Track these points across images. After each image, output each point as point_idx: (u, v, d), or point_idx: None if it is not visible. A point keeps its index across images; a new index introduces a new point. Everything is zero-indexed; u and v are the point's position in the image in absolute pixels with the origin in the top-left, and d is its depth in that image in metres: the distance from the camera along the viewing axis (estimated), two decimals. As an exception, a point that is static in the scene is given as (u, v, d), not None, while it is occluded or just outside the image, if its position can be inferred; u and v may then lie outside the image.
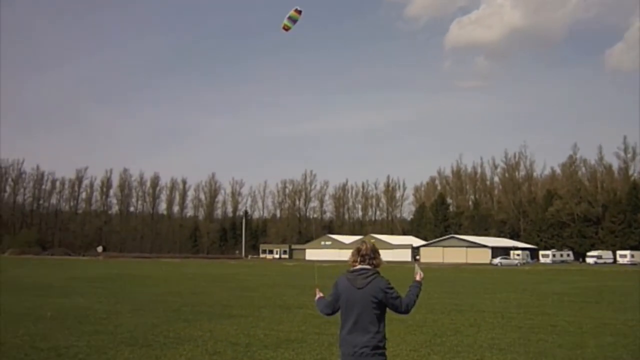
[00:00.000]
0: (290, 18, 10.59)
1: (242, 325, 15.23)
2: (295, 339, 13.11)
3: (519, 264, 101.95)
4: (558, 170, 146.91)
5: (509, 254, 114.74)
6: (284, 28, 10.62)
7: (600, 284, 38.39)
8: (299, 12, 10.60)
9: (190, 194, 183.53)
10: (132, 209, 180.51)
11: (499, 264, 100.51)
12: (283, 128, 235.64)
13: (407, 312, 5.65)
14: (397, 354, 11.08)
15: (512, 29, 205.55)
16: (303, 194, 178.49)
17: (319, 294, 6.15)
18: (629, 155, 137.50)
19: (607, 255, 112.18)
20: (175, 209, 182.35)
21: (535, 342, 12.78)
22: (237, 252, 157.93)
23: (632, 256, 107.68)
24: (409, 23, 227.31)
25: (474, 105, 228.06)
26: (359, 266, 5.54)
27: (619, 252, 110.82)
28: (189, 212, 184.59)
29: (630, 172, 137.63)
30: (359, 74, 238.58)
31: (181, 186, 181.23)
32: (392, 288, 5.50)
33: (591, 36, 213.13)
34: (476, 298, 25.87)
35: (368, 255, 5.60)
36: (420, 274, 6.12)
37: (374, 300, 5.38)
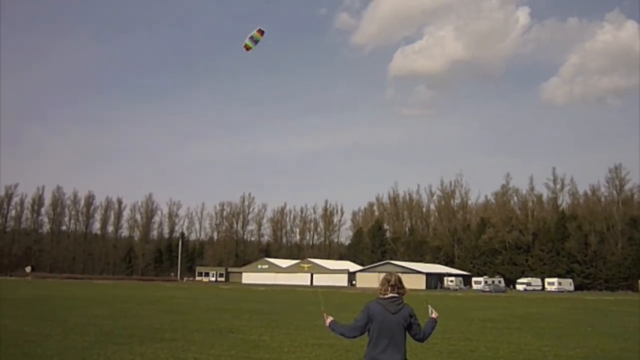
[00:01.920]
0: (252, 38, 10.92)
1: (173, 349, 15.43)
2: (225, 362, 13.44)
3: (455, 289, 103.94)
4: (491, 199, 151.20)
5: (443, 281, 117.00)
6: (245, 47, 10.90)
7: (525, 311, 39.86)
8: (262, 32, 10.93)
9: (126, 213, 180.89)
10: (64, 228, 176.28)
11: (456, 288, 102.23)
12: (222, 150, 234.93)
13: (423, 339, 6.41)
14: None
15: (453, 60, 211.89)
16: (241, 216, 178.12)
17: (329, 319, 6.66)
18: (558, 186, 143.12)
19: (535, 282, 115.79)
20: (110, 228, 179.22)
21: (453, 366, 13.47)
22: (172, 274, 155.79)
23: (559, 284, 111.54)
24: (355, 50, 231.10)
25: (413, 132, 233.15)
26: (390, 294, 6.25)
27: (547, 280, 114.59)
28: (124, 232, 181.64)
29: (559, 202, 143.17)
30: (302, 97, 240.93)
31: (116, 206, 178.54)
32: (415, 316, 6.29)
33: (528, 70, 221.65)
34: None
35: (397, 285, 6.31)
36: (435, 313, 6.72)
37: (404, 324, 6.15)
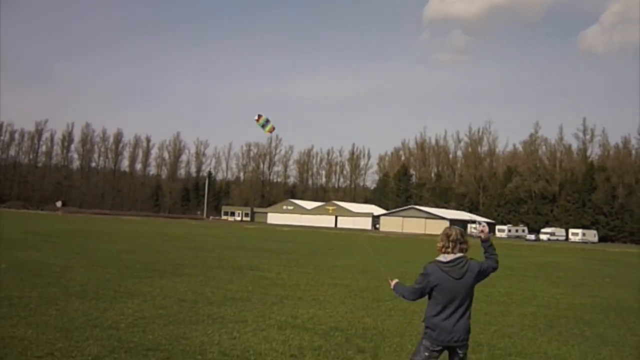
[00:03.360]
0: (267, 122, 11.06)
1: (192, 284, 15.84)
2: (241, 297, 13.79)
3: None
4: (519, 148, 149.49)
5: (466, 227, 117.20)
6: (257, 119, 11.09)
7: (545, 260, 39.93)
8: (272, 130, 11.13)
9: (154, 152, 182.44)
10: (93, 164, 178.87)
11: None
12: (251, 89, 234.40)
13: (497, 267, 5.93)
14: (333, 316, 11.84)
15: (491, 5, 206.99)
16: (267, 157, 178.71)
17: (394, 281, 6.12)
18: (588, 137, 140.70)
19: (559, 232, 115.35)
20: (138, 166, 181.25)
21: (465, 309, 13.66)
22: (198, 212, 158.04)
23: (584, 234, 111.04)
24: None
25: (445, 78, 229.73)
26: (451, 256, 5.66)
27: (571, 230, 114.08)
28: (152, 170, 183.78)
29: (588, 153, 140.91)
30: (333, 39, 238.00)
31: (145, 144, 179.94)
32: (480, 262, 5.78)
33: (568, 17, 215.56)
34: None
35: (458, 240, 5.73)
36: (484, 232, 6.06)
37: (470, 287, 5.63)
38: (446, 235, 5.78)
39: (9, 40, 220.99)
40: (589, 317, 13.36)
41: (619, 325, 12.56)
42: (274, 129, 10.92)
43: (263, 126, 10.92)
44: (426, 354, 5.72)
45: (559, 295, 17.05)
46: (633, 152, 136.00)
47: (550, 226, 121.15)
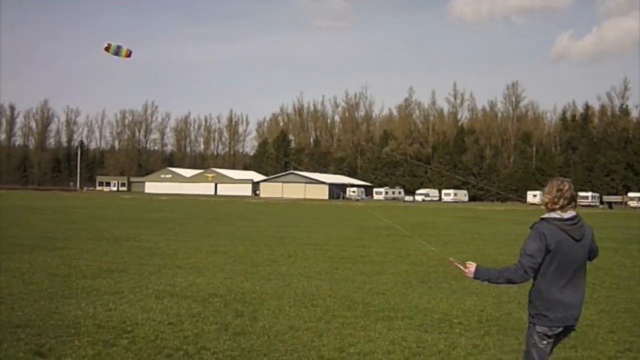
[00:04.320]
0: (119, 48, 10.37)
1: (64, 257, 15.23)
2: (117, 269, 13.44)
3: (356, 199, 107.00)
4: (395, 112, 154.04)
5: (345, 191, 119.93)
6: (106, 49, 10.33)
7: (420, 220, 41.71)
8: (130, 54, 10.44)
9: (19, 121, 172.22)
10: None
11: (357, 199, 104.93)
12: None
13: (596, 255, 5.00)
14: (212, 282, 11.81)
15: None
16: (143, 125, 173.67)
17: (472, 266, 4.93)
18: (458, 101, 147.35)
19: (433, 193, 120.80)
20: (2, 136, 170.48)
21: (342, 270, 14.08)
22: (71, 184, 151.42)
23: (455, 195, 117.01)
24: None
25: (322, 44, 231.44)
26: (569, 213, 4.66)
27: (443, 191, 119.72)
28: (18, 140, 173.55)
29: (459, 117, 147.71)
30: (209, 3, 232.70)
31: (8, 112, 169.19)
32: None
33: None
34: (302, 232, 27.32)
35: (573, 196, 4.69)
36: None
37: (587, 252, 4.76)
38: (558, 189, 4.67)
39: None
40: (456, 272, 14.12)
41: (483, 277, 13.40)
42: (130, 52, 10.33)
43: (117, 54, 10.33)
44: (544, 342, 4.71)
45: (430, 252, 17.89)
46: (499, 115, 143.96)
47: (425, 187, 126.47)
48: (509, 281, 4.75)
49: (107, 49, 10.22)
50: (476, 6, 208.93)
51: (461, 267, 5.02)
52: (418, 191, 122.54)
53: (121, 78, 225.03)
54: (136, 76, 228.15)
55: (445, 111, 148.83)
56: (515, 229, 31.82)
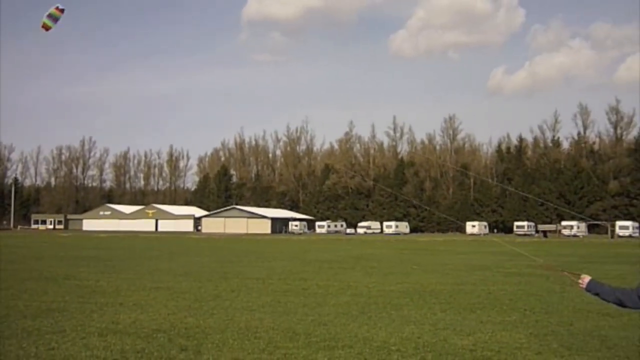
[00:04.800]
0: (51, 16, 10.26)
1: (2, 298, 14.98)
2: (58, 308, 13.33)
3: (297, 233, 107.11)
4: (336, 146, 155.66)
5: (288, 225, 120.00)
6: (43, 27, 10.24)
7: (361, 252, 42.23)
8: (61, 10, 10.33)
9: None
10: None
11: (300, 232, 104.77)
12: (60, 90, 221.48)
13: None
14: (155, 319, 11.88)
15: (307, 8, 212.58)
16: (81, 161, 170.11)
17: (586, 277, 5.12)
18: (398, 135, 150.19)
19: (375, 225, 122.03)
20: None
21: (285, 303, 14.32)
22: (4, 222, 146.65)
23: (397, 227, 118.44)
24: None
25: (263, 78, 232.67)
26: None
27: (385, 223, 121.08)
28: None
29: (399, 149, 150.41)
30: (149, 38, 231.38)
31: None
32: None
33: (378, 22, 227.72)
34: (245, 266, 27.40)
35: None
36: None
37: None
38: None
39: None
40: (396, 302, 14.57)
41: (421, 306, 13.87)
42: (61, 8, 10.11)
43: (56, 20, 10.14)
44: None
45: (371, 284, 18.30)
46: (438, 147, 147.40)
47: (367, 220, 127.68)
48: (620, 303, 4.82)
49: (46, 29, 10.06)
50: (414, 42, 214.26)
51: (575, 279, 5.25)
52: (360, 224, 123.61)
53: (57, 113, 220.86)
54: (73, 111, 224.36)
55: (386, 144, 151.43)
56: (454, 259, 32.66)
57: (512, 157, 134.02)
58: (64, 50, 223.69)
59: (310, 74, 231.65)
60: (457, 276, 22.24)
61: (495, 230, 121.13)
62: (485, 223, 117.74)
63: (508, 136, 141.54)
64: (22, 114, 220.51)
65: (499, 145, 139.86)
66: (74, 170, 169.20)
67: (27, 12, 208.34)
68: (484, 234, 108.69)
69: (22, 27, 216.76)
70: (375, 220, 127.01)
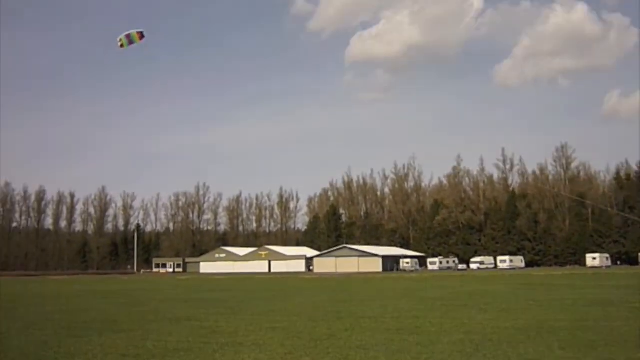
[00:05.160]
0: (129, 37, 10.83)
1: (132, 339, 15.95)
2: (182, 348, 14.06)
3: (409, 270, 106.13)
4: (444, 181, 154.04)
5: (399, 263, 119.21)
6: (120, 44, 10.80)
7: (475, 288, 41.35)
8: (142, 36, 10.88)
9: (79, 208, 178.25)
10: (15, 224, 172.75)
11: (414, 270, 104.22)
12: (175, 139, 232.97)
13: None
14: (274, 358, 12.33)
15: (410, 45, 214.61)
16: (197, 206, 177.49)
17: None
18: (508, 167, 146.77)
19: (488, 260, 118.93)
20: (63, 224, 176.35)
21: (398, 341, 14.39)
22: (129, 267, 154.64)
23: (511, 261, 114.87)
24: (311, 36, 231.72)
25: (368, 117, 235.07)
26: None
27: (499, 258, 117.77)
28: (78, 227, 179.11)
29: (509, 182, 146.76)
30: (257, 84, 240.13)
31: (69, 200, 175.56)
32: None
33: (482, 53, 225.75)
34: (358, 305, 27.58)
35: None
36: None
37: None
38: None
39: None
40: (512, 339, 14.30)
41: (538, 344, 13.55)
42: (142, 33, 10.56)
43: (132, 43, 10.63)
44: None
45: (485, 321, 18.01)
46: (550, 177, 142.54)
47: (479, 255, 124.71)
48: None
49: (121, 46, 10.61)
50: (520, 71, 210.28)
51: None
52: (473, 259, 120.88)
53: (174, 161, 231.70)
54: (188, 159, 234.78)
55: (495, 177, 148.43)
56: (573, 294, 31.39)
57: (632, 184, 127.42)
58: (178, 104, 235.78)
59: (415, 110, 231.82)
60: (577, 312, 21.45)
61: (618, 262, 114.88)
62: (607, 255, 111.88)
63: (627, 162, 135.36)
64: (142, 164, 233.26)
65: (618, 172, 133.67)
66: (191, 215, 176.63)
67: (154, 71, 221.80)
68: (606, 267, 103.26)
69: (148, 87, 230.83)
70: (489, 255, 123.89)
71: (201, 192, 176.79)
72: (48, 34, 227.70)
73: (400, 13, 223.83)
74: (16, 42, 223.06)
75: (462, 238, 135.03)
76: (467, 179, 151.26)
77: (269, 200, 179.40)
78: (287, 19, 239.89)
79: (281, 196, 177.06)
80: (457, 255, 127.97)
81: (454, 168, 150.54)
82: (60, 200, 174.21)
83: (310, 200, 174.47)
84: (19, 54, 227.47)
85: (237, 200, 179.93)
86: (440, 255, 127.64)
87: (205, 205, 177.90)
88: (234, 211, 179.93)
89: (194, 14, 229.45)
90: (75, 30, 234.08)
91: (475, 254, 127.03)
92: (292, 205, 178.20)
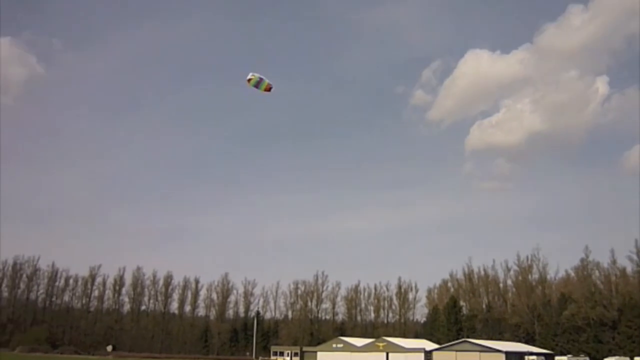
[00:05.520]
0: (260, 81, 11.42)
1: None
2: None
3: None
4: (572, 273, 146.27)
5: (523, 359, 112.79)
6: (249, 80, 11.35)
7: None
8: (270, 88, 11.51)
9: (203, 293, 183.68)
10: (143, 307, 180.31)
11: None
12: (296, 227, 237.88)
13: None
14: None
15: (532, 133, 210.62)
16: (315, 295, 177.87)
17: None
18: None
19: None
20: (187, 308, 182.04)
21: None
22: (247, 353, 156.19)
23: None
24: (431, 126, 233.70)
25: (490, 206, 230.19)
26: None
27: (636, 359, 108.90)
28: (201, 311, 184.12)
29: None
30: (377, 173, 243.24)
31: (194, 285, 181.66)
32: None
33: (609, 139, 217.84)
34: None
35: None
36: None
37: None
38: None
39: (67, 192, 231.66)
40: None
41: None
42: (270, 86, 10.93)
43: (257, 86, 10.96)
44: None
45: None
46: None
47: (614, 354, 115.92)
48: None
49: (249, 80, 11.08)
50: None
51: None
52: (606, 359, 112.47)
53: (294, 249, 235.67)
54: (308, 248, 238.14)
55: (629, 270, 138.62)
56: None
57: None
58: (298, 193, 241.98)
59: (538, 199, 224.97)
60: None
61: None
62: None
63: None
64: (263, 252, 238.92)
65: None
66: (309, 304, 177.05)
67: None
68: None
69: (268, 178, 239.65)
70: (624, 354, 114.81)
71: (319, 281, 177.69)
72: (188, 133, 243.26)
73: (521, 101, 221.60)
74: (147, 142, 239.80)
75: (594, 335, 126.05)
76: (597, 272, 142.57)
77: (387, 290, 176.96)
78: (406, 110, 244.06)
79: (400, 286, 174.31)
80: (589, 354, 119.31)
81: (582, 260, 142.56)
82: (185, 285, 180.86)
83: (430, 291, 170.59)
84: (140, 150, 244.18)
85: (355, 289, 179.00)
86: (570, 353, 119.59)
87: (324, 294, 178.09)
88: (352, 301, 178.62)
89: (316, 108, 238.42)
90: (217, 134, 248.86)
91: (609, 353, 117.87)
92: (410, 295, 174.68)
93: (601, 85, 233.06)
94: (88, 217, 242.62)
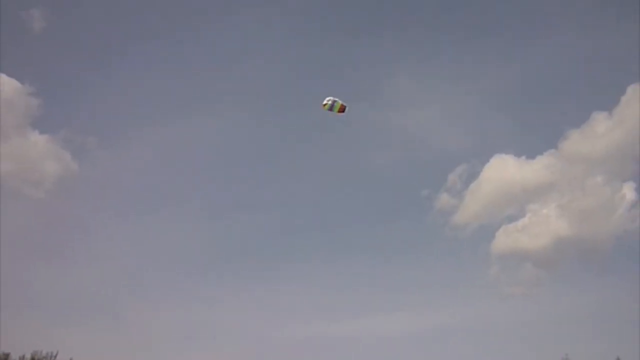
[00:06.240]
0: (333, 103, 11.22)
1: None
2: None
3: None
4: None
5: None
6: (324, 104, 11.12)
7: None
8: (343, 109, 11.35)
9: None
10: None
11: None
12: (317, 328, 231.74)
13: None
14: None
15: (558, 238, 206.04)
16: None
17: None
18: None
19: None
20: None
21: None
22: None
23: None
24: (456, 230, 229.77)
25: (516, 312, 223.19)
26: None
27: None
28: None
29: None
30: (400, 278, 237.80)
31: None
32: None
33: (637, 245, 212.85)
34: None
35: None
36: None
37: None
38: None
39: (88, 287, 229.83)
40: None
41: None
42: (344, 107, 10.57)
43: (331, 110, 10.63)
44: None
45: None
46: None
47: None
48: None
49: (324, 105, 10.79)
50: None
51: None
52: None
53: (318, 351, 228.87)
54: (331, 349, 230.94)
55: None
56: None
57: None
58: (320, 292, 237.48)
59: (567, 306, 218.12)
60: None
61: None
62: None
63: None
64: (280, 352, 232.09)
65: None
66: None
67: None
68: None
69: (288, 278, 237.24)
70: None
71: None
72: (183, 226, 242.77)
73: (547, 206, 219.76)
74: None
75: None
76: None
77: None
78: (431, 213, 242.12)
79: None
80: None
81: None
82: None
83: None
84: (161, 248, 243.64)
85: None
86: None
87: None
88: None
89: (344, 208, 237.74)
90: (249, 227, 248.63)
91: None
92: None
93: (628, 191, 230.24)
94: (107, 312, 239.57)
